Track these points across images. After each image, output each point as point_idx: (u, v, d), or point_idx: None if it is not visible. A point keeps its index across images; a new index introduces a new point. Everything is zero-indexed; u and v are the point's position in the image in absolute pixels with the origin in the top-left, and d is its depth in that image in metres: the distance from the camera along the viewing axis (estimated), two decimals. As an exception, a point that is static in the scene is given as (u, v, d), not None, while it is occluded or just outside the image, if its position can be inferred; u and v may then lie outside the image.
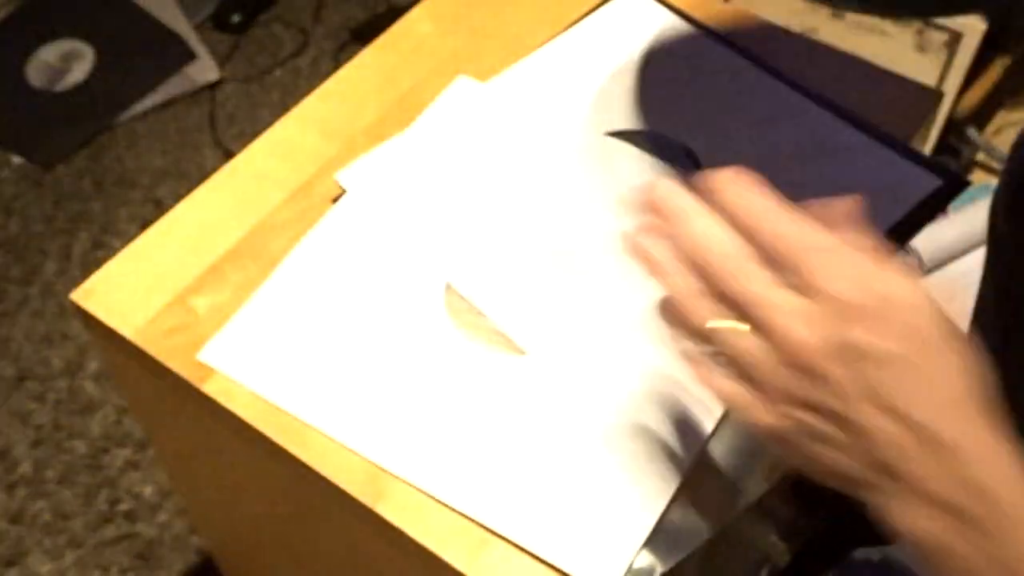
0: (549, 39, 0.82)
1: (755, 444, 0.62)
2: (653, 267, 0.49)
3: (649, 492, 0.58)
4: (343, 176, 0.73)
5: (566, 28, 0.83)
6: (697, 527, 0.58)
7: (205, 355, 0.65)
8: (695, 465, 0.60)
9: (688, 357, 0.50)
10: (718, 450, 0.61)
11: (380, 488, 0.59)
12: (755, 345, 0.47)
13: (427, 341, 0.65)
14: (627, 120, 0.76)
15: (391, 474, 0.60)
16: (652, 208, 0.49)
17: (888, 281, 0.46)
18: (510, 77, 0.79)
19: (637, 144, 0.74)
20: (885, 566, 0.71)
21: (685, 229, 0.48)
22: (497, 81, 0.79)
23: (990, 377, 0.47)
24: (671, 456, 0.60)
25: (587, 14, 0.84)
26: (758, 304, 0.47)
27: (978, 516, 0.44)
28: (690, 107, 0.76)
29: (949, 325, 0.47)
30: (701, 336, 0.49)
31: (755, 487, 0.61)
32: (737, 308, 0.47)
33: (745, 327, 0.47)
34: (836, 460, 0.47)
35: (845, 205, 0.49)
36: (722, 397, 0.49)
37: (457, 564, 0.56)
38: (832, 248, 0.46)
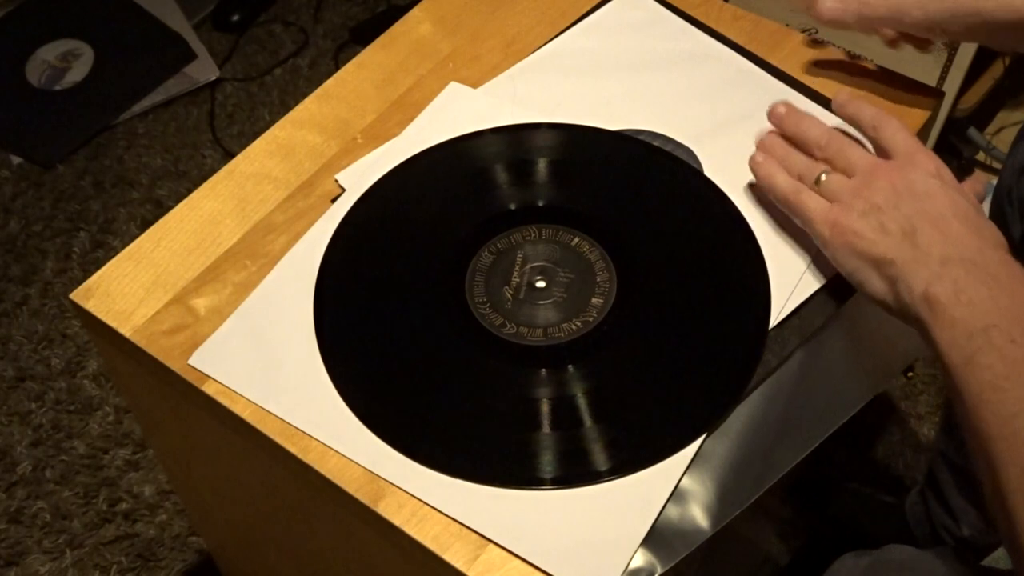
0: (549, 39, 0.82)
1: (754, 444, 0.62)
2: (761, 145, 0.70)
3: (644, 496, 0.58)
4: (343, 176, 0.74)
5: (566, 28, 0.83)
6: (697, 527, 0.58)
7: (196, 360, 0.65)
8: (693, 466, 0.60)
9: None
10: (717, 450, 0.61)
11: (380, 488, 0.59)
12: (835, 178, 0.64)
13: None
14: (627, 120, 0.76)
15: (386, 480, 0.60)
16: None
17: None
18: (509, 78, 0.79)
19: (637, 144, 0.74)
20: (873, 571, 0.71)
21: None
22: (495, 83, 0.79)
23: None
24: (667, 459, 0.60)
25: (587, 14, 0.84)
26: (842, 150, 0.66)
27: (985, 261, 0.55)
28: (690, 107, 0.76)
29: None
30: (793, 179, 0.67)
31: (754, 487, 0.61)
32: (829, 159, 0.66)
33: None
34: (872, 238, 0.60)
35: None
36: (810, 213, 0.64)
37: (457, 564, 0.56)
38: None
